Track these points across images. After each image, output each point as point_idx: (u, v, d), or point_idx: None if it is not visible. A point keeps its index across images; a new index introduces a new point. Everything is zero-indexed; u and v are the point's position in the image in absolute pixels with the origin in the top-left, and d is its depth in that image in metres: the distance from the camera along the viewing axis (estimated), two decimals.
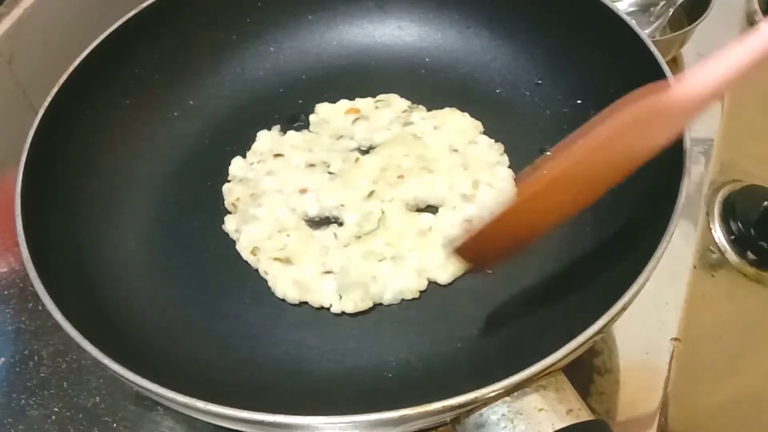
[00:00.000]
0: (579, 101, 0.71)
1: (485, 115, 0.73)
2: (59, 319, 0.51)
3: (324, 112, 0.75)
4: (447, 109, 0.73)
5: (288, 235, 0.65)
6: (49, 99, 0.65)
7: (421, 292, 0.62)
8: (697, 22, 0.85)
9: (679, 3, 0.89)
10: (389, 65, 0.77)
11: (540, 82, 0.74)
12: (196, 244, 0.67)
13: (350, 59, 0.79)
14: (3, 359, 0.69)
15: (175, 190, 0.71)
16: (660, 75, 0.61)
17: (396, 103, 0.74)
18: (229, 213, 0.69)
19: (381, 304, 0.62)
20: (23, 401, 0.66)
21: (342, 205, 0.66)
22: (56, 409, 0.65)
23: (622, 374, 0.66)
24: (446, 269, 0.62)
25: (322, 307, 0.62)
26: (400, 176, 0.68)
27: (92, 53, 0.68)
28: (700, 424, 0.67)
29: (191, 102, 0.75)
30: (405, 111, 0.74)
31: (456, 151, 0.70)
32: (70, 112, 0.66)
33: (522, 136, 0.71)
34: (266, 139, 0.73)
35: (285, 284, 0.62)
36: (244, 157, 0.72)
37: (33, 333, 0.70)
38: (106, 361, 0.49)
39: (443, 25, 0.79)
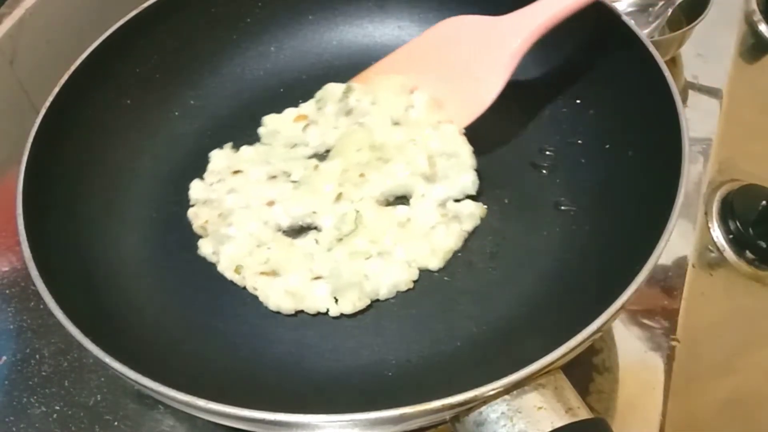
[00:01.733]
0: (578, 101, 0.71)
1: (484, 114, 0.73)
2: (60, 318, 0.51)
3: (272, 122, 0.74)
4: (377, 75, 0.74)
5: (269, 248, 0.64)
6: (50, 99, 0.65)
7: (414, 282, 0.63)
8: (695, 23, 0.85)
9: (677, 3, 0.89)
10: None
11: (539, 82, 0.74)
12: (196, 244, 0.67)
13: (350, 59, 0.79)
14: (5, 358, 0.69)
15: (175, 190, 0.71)
16: (659, 75, 0.62)
17: (332, 91, 0.74)
18: (201, 237, 0.67)
19: (378, 300, 0.62)
20: (25, 399, 0.66)
21: (314, 212, 0.66)
22: (58, 408, 0.66)
23: (621, 373, 0.66)
24: (436, 255, 0.63)
25: (318, 313, 0.62)
26: (362, 175, 0.67)
27: (93, 53, 0.69)
28: (699, 423, 0.67)
29: (192, 102, 0.76)
30: (342, 100, 0.73)
31: (398, 124, 0.71)
32: (71, 112, 0.67)
33: (521, 136, 0.71)
34: (221, 158, 0.72)
35: (277, 296, 0.62)
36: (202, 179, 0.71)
37: (34, 331, 0.70)
38: (107, 359, 0.49)
39: None
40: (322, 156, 0.71)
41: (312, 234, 0.66)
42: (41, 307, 0.68)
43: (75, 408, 0.65)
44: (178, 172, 0.72)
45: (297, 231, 0.66)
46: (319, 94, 0.75)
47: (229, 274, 0.64)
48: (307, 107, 0.75)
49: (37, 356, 0.69)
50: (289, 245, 0.65)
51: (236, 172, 0.70)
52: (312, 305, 0.62)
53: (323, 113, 0.74)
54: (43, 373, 0.68)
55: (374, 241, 0.64)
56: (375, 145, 0.69)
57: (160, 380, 0.48)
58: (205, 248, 0.66)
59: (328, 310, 0.61)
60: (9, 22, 0.80)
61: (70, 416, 0.65)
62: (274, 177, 0.69)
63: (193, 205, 0.69)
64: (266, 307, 0.62)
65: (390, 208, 0.67)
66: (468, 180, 0.66)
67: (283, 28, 0.80)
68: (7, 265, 0.75)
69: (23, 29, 0.82)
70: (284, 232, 0.66)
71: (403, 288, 0.62)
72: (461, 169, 0.67)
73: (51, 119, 0.64)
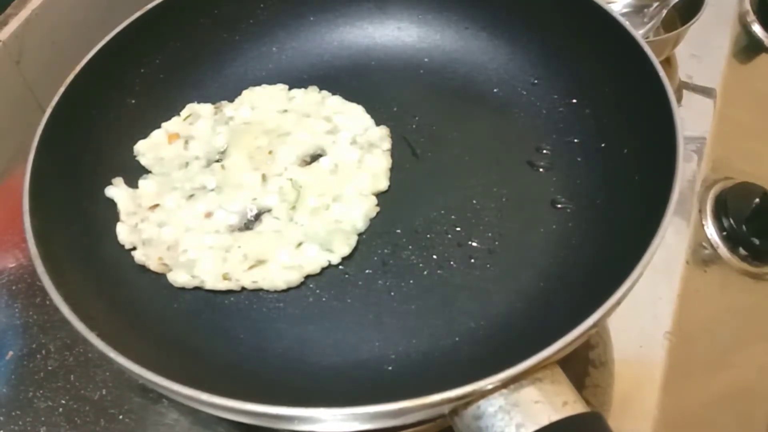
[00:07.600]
0: (574, 100, 0.72)
1: (483, 114, 0.74)
2: (66, 314, 0.52)
3: (149, 150, 0.71)
4: (246, 91, 0.76)
5: (239, 247, 0.64)
6: (56, 98, 0.66)
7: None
8: (690, 23, 0.85)
9: (672, 4, 0.90)
10: (389, 65, 0.77)
11: (536, 82, 0.74)
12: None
13: (351, 60, 0.80)
14: (11, 353, 0.70)
15: None
16: (654, 75, 0.62)
17: (201, 109, 0.74)
18: (167, 272, 0.64)
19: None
20: (31, 394, 0.67)
21: (254, 199, 0.67)
22: (63, 402, 0.66)
23: (616, 367, 0.67)
24: (379, 178, 0.68)
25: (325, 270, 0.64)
26: (270, 152, 0.69)
27: (99, 53, 0.69)
28: (693, 417, 0.67)
29: (195, 101, 0.76)
30: (216, 113, 0.74)
31: (286, 111, 0.73)
32: (76, 111, 0.67)
33: (519, 135, 0.72)
34: (125, 198, 0.68)
35: (278, 276, 0.63)
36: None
37: (41, 327, 0.71)
38: (112, 354, 0.50)
39: (442, 26, 0.80)
40: (219, 159, 0.71)
41: (267, 216, 0.66)
42: (47, 303, 0.69)
43: (80, 402, 0.66)
44: None
45: (252, 221, 0.67)
46: (184, 112, 0.74)
47: (221, 285, 0.63)
48: (174, 125, 0.73)
49: (43, 351, 0.69)
50: (255, 235, 0.65)
51: (153, 207, 0.67)
52: (314, 266, 0.63)
53: (196, 128, 0.73)
54: (49, 368, 0.68)
55: (321, 194, 0.67)
56: (269, 130, 0.71)
57: (163, 374, 0.48)
58: (180, 278, 0.63)
59: (329, 262, 0.64)
60: (15, 22, 0.81)
61: (76, 410, 0.66)
62: (191, 196, 0.68)
63: (134, 249, 0.65)
64: (269, 303, 0.63)
65: (314, 164, 0.69)
66: (365, 119, 0.72)
67: (285, 29, 0.80)
68: (13, 261, 0.76)
69: (29, 30, 0.82)
70: (240, 229, 0.66)
71: (373, 214, 0.66)
72: (355, 116, 0.72)
73: (57, 118, 0.65)
